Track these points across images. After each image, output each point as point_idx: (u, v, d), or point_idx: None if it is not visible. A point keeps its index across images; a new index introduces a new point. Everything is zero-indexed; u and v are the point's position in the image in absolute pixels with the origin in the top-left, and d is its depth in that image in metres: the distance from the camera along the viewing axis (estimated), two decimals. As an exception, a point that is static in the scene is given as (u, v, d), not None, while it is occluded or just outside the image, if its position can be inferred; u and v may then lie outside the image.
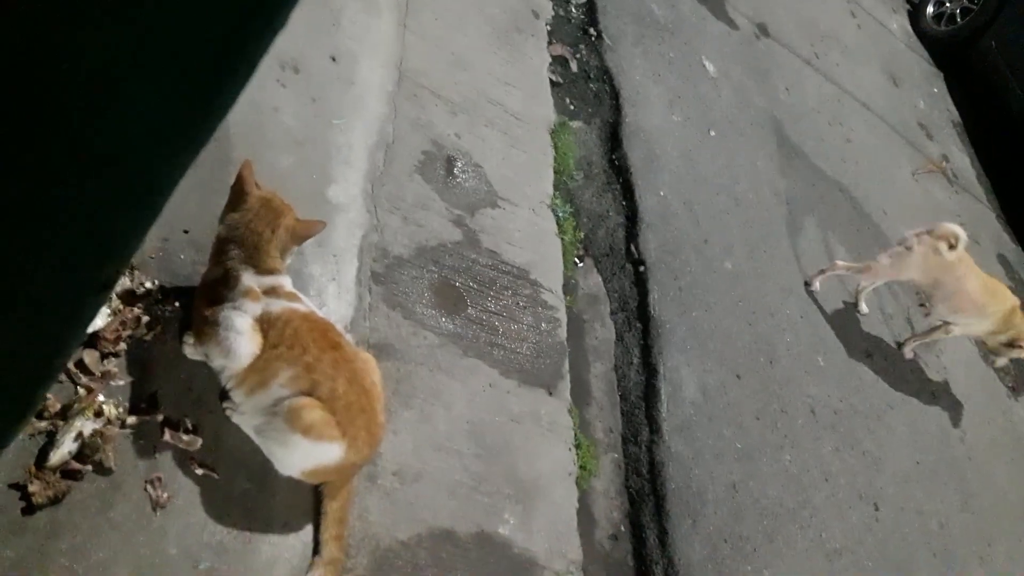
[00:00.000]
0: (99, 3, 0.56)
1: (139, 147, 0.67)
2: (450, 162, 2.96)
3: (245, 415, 1.90)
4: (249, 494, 1.92)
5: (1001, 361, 4.32)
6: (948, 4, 7.13)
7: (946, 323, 4.05)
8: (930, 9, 7.26)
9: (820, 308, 3.98)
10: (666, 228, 3.62)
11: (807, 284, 4.03)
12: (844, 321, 4.03)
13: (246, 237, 1.84)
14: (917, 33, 7.28)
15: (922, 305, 4.37)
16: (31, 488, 1.67)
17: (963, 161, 6.32)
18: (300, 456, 1.86)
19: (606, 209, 3.61)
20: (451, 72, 3.26)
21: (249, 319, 1.81)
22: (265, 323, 1.82)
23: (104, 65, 0.61)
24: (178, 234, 2.18)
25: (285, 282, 1.92)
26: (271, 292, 1.86)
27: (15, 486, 1.67)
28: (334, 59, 2.90)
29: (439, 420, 2.38)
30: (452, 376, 2.49)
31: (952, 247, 3.70)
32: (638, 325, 3.29)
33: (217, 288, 1.83)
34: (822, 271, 4.08)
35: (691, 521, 2.79)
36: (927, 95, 6.64)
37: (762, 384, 3.39)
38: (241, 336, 1.79)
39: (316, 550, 1.93)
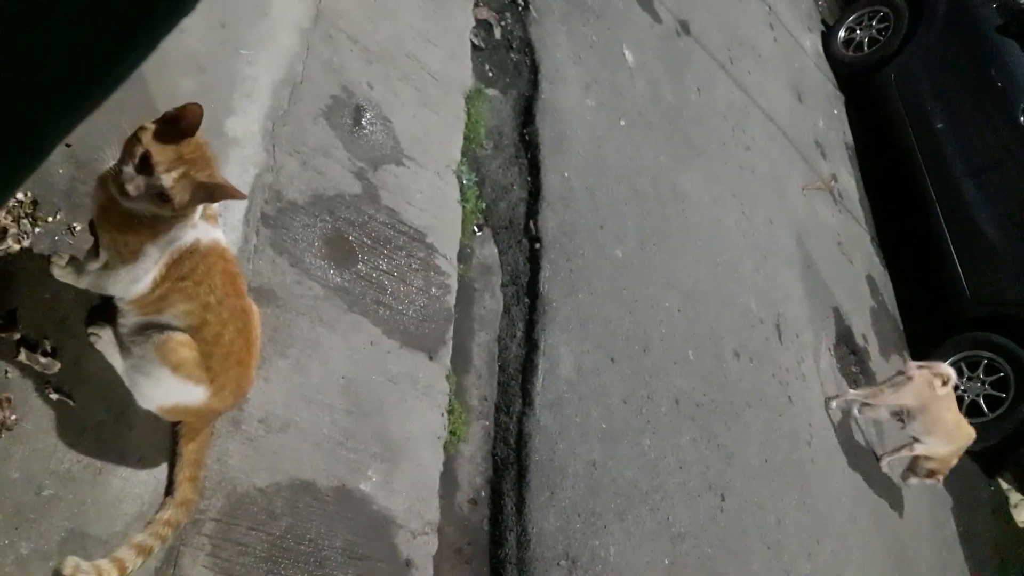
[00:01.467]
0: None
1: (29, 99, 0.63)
2: (359, 112, 2.90)
3: (124, 334, 1.83)
4: (105, 425, 1.86)
5: (913, 480, 5.02)
6: (858, 32, 7.50)
7: (916, 440, 4.86)
8: (841, 34, 7.61)
9: (696, 306, 4.16)
10: (566, 210, 3.68)
11: (827, 402, 4.87)
12: (716, 321, 4.23)
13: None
14: (827, 54, 7.63)
15: (900, 420, 4.93)
16: None
17: (849, 183, 6.70)
18: (163, 391, 1.81)
19: (511, 182, 3.64)
20: (372, 18, 3.19)
21: (161, 254, 1.72)
22: (184, 252, 1.73)
23: None
24: (59, 148, 2.06)
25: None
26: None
27: None
28: (250, -13, 2.78)
29: (314, 372, 2.36)
30: (333, 330, 2.47)
31: (944, 384, 4.57)
32: (526, 300, 3.35)
33: (143, 219, 1.69)
34: (837, 395, 4.91)
35: (549, 493, 2.90)
36: (827, 115, 6.98)
37: (633, 370, 3.53)
38: (153, 269, 1.71)
39: (169, 490, 1.90)
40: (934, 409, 4.65)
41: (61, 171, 2.05)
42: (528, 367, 3.18)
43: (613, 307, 3.62)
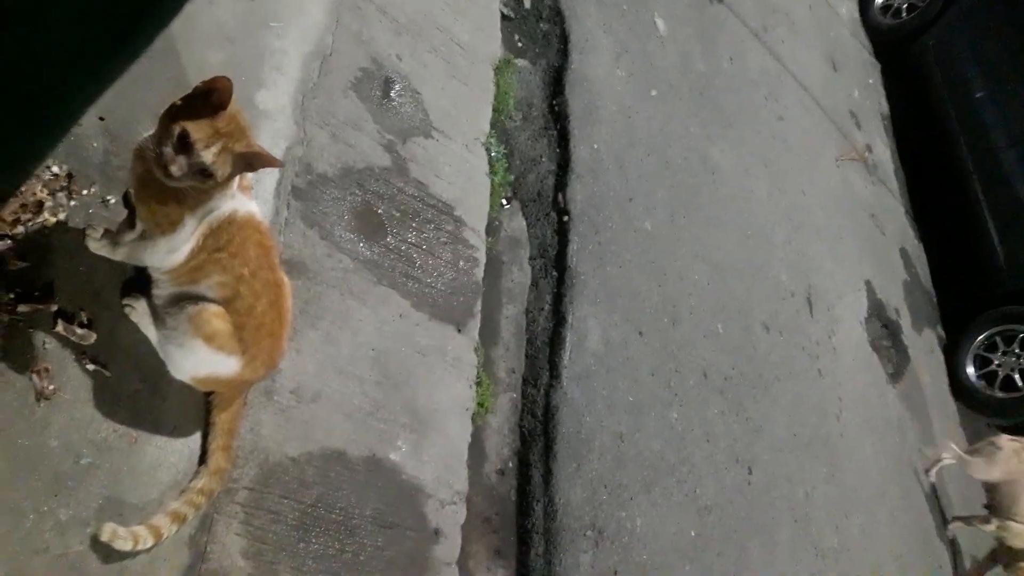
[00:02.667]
0: None
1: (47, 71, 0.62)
2: (388, 84, 2.89)
3: (158, 305, 1.86)
4: (140, 395, 1.90)
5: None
6: (897, -3, 7.29)
7: (995, 518, 4.67)
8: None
9: (726, 278, 4.12)
10: (595, 182, 3.65)
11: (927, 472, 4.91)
12: (746, 293, 4.19)
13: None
14: (864, 21, 7.43)
15: (987, 507, 4.77)
16: (-93, 365, 1.61)
17: (884, 154, 6.57)
18: (195, 361, 1.84)
19: (539, 154, 3.62)
20: (400, -11, 3.16)
21: (199, 225, 1.74)
22: (221, 223, 1.75)
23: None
24: (92, 119, 2.08)
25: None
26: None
27: None
28: (278, -43, 2.76)
29: (344, 344, 2.39)
30: (363, 302, 2.49)
31: None
32: (554, 273, 3.35)
33: (182, 190, 1.68)
34: (934, 459, 4.94)
35: (576, 465, 2.91)
36: (862, 85, 6.82)
37: (662, 343, 3.52)
38: (191, 240, 1.73)
39: (203, 459, 1.94)
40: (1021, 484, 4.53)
41: (95, 144, 2.07)
42: (556, 340, 3.18)
43: (642, 280, 3.60)
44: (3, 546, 1.62)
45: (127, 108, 2.11)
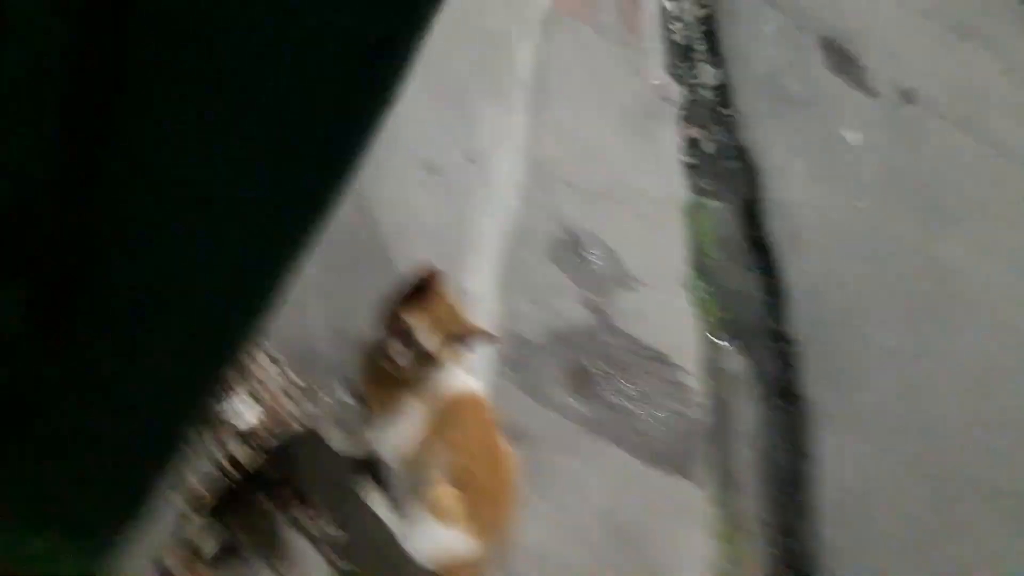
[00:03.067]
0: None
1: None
2: (582, 246, 3.00)
3: (396, 494, 1.95)
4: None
5: None
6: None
7: None
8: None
9: (993, 386, 3.64)
10: (814, 304, 3.47)
11: None
12: (1017, 399, 3.65)
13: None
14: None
15: None
16: (183, 577, 1.77)
17: None
18: (435, 544, 1.87)
19: (748, 288, 3.52)
20: (582, 160, 3.35)
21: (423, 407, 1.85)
22: (442, 404, 1.84)
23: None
24: (326, 333, 2.31)
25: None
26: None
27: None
28: (470, 159, 3.04)
29: (572, 508, 2.35)
30: (586, 462, 2.46)
31: None
32: (787, 407, 3.14)
33: (395, 377, 1.83)
34: None
35: (854, 621, 2.57)
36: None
37: (926, 468, 3.11)
38: (416, 423, 1.84)
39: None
40: None
41: (330, 355, 2.29)
42: (801, 479, 2.92)
43: (889, 400, 3.27)
44: None
45: (355, 317, 2.33)
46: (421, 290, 1.72)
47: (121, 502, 0.70)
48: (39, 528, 0.68)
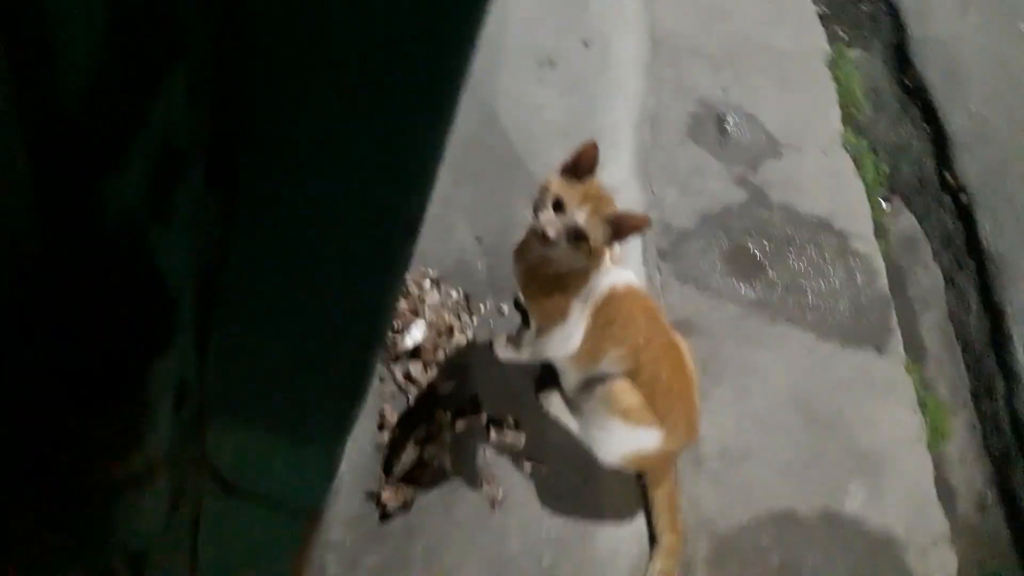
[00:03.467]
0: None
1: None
2: (720, 120, 2.78)
3: (569, 395, 1.90)
4: (577, 487, 1.92)
5: None
6: None
7: None
8: None
9: None
10: (986, 147, 3.11)
11: None
12: None
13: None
14: None
15: None
16: (384, 496, 1.79)
17: None
18: (618, 441, 1.82)
19: (907, 139, 3.19)
20: (707, 25, 3.08)
21: (585, 306, 1.77)
22: (604, 300, 1.76)
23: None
24: (472, 244, 2.25)
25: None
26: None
27: (370, 495, 1.80)
28: (586, 44, 2.85)
29: (756, 395, 2.22)
30: (762, 346, 2.31)
31: None
32: (970, 263, 2.85)
33: (563, 277, 1.74)
34: None
35: (1080, 480, 2.35)
36: None
37: None
38: (581, 323, 1.77)
39: (653, 540, 1.88)
40: None
41: (479, 265, 2.23)
42: (998, 339, 2.67)
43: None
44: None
45: (497, 225, 2.26)
46: (575, 169, 1.62)
47: (325, 409, 0.66)
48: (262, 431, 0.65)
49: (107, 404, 0.41)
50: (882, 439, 2.22)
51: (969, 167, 3.05)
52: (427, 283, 2.11)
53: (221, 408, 0.66)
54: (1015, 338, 2.63)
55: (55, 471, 0.46)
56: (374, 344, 0.59)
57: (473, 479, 1.86)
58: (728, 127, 2.78)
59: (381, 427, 1.90)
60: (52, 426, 0.42)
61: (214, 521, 0.84)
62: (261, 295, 0.50)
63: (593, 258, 1.67)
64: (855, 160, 2.87)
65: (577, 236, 1.59)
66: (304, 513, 0.86)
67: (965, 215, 2.94)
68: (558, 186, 1.62)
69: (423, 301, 2.06)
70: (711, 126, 2.76)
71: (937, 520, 2.15)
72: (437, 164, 0.44)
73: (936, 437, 2.36)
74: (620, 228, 1.63)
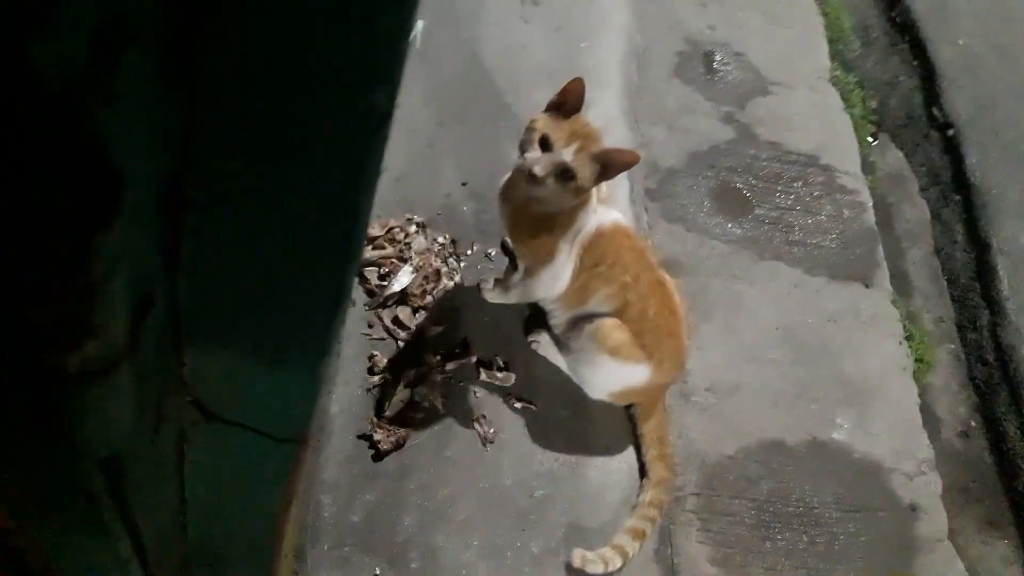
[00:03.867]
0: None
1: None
2: (708, 57, 2.75)
3: (559, 334, 1.91)
4: (567, 422, 1.94)
5: None
6: None
7: None
8: None
9: None
10: (974, 81, 3.09)
11: None
12: None
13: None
14: None
15: None
16: (376, 437, 1.82)
17: None
18: (607, 377, 1.84)
19: (895, 73, 3.17)
20: (691, -38, 3.03)
21: (572, 247, 1.77)
22: (591, 239, 1.75)
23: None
24: (457, 188, 2.24)
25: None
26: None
27: (363, 437, 1.82)
28: (569, -18, 2.80)
29: (745, 330, 2.24)
30: (750, 283, 2.32)
31: None
32: (956, 197, 2.86)
33: (550, 218, 1.73)
34: None
35: (1063, 406, 2.38)
36: None
37: None
38: (569, 263, 1.77)
39: (643, 472, 1.91)
40: None
41: (465, 208, 2.22)
42: (984, 272, 2.68)
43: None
44: (493, 583, 1.72)
45: (483, 169, 2.25)
46: (561, 108, 1.60)
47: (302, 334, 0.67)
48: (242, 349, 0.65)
49: (49, 281, 0.41)
50: (869, 371, 2.25)
51: (957, 101, 3.03)
52: (413, 228, 2.11)
53: (197, 331, 0.67)
54: (1000, 270, 2.65)
55: (2, 363, 0.46)
56: (350, 256, 0.59)
57: (464, 419, 1.89)
58: (715, 64, 2.75)
59: (371, 371, 1.91)
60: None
61: (199, 449, 0.85)
62: (227, 200, 0.49)
63: (580, 197, 1.67)
64: (843, 96, 2.85)
65: (564, 174, 1.58)
66: (290, 440, 0.87)
67: (952, 150, 2.93)
68: (544, 124, 1.60)
69: (409, 246, 2.06)
70: (699, 64, 2.73)
71: (922, 447, 2.19)
72: (405, 52, 0.43)
73: (922, 368, 2.39)
74: (608, 165, 1.61)
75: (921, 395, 2.34)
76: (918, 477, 2.12)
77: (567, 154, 1.56)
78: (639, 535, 1.79)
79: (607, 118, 2.50)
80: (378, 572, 1.68)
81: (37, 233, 0.38)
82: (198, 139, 0.44)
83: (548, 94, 2.43)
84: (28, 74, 0.30)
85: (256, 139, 0.46)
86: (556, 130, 1.57)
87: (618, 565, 1.75)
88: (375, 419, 1.84)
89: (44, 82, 0.31)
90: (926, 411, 2.35)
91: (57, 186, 0.36)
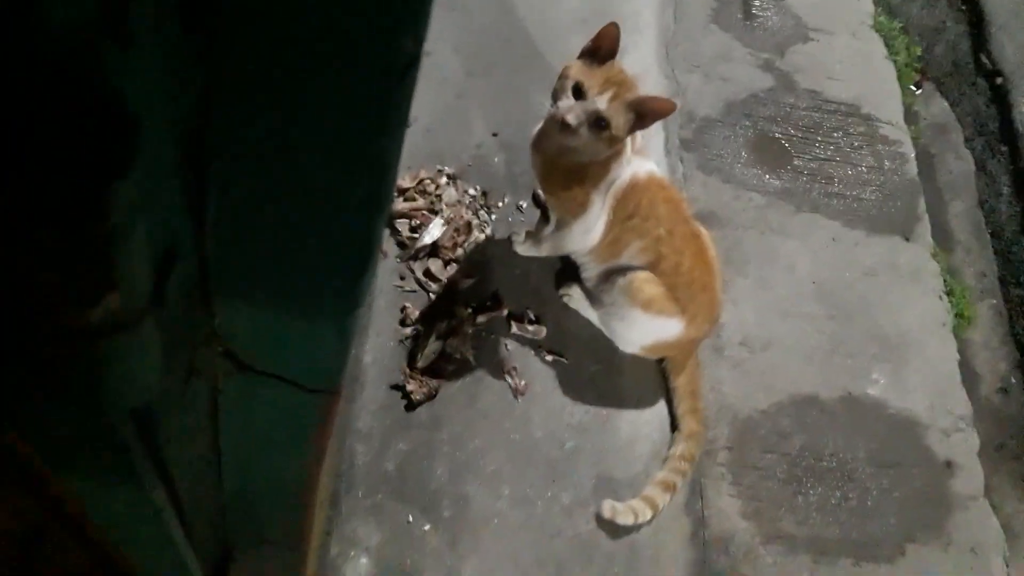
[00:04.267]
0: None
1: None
2: (747, 2, 2.66)
3: (590, 288, 1.90)
4: (598, 376, 1.94)
5: None
6: None
7: None
8: None
9: None
10: (1021, 30, 2.96)
11: None
12: None
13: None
14: None
15: None
16: (409, 387, 1.83)
17: None
18: (639, 330, 1.83)
19: (941, 19, 3.05)
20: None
21: (605, 198, 1.75)
22: (625, 191, 1.72)
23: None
24: (488, 139, 2.22)
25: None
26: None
27: (395, 387, 1.84)
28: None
29: (780, 284, 2.20)
30: (787, 236, 2.28)
31: None
32: (1003, 148, 2.77)
33: (583, 168, 1.71)
34: None
35: (1110, 364, 2.33)
36: None
37: None
38: (602, 216, 1.75)
39: (674, 425, 1.91)
40: None
41: (496, 160, 2.20)
42: (1026, 227, 2.61)
43: None
44: (524, 533, 1.74)
45: (514, 119, 2.21)
46: (595, 54, 1.56)
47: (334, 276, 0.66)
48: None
49: (67, 231, 0.40)
50: (907, 326, 2.21)
51: (1006, 48, 2.92)
52: (444, 180, 2.09)
53: (225, 284, 0.66)
54: (1048, 225, 2.57)
55: (26, 320, 0.46)
56: (378, 207, 0.58)
57: (496, 371, 1.89)
58: (754, 10, 2.66)
59: (403, 323, 1.92)
60: (13, 266, 0.42)
61: (232, 400, 0.86)
62: (251, 151, 0.48)
63: (614, 147, 1.64)
64: (886, 43, 2.75)
65: (598, 123, 1.54)
66: (322, 391, 0.87)
67: (999, 99, 2.83)
68: (578, 71, 1.56)
69: (440, 198, 2.05)
70: (737, 9, 2.65)
71: (960, 403, 2.15)
72: (431, -2, 0.42)
73: (962, 323, 2.34)
74: (643, 114, 1.57)
75: (960, 351, 2.30)
76: (955, 433, 2.09)
77: (601, 102, 1.52)
78: (669, 487, 1.79)
79: (642, 65, 2.45)
80: (411, 519, 1.71)
81: (52, 181, 0.38)
82: (218, 87, 0.43)
83: (581, 41, 2.38)
84: (34, 11, 0.29)
85: (279, 85, 0.44)
86: (590, 77, 1.54)
87: (648, 517, 1.76)
88: (407, 370, 1.85)
89: (51, 20, 0.30)
90: (965, 367, 2.31)
91: (71, 132, 0.36)
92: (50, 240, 0.41)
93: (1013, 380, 2.42)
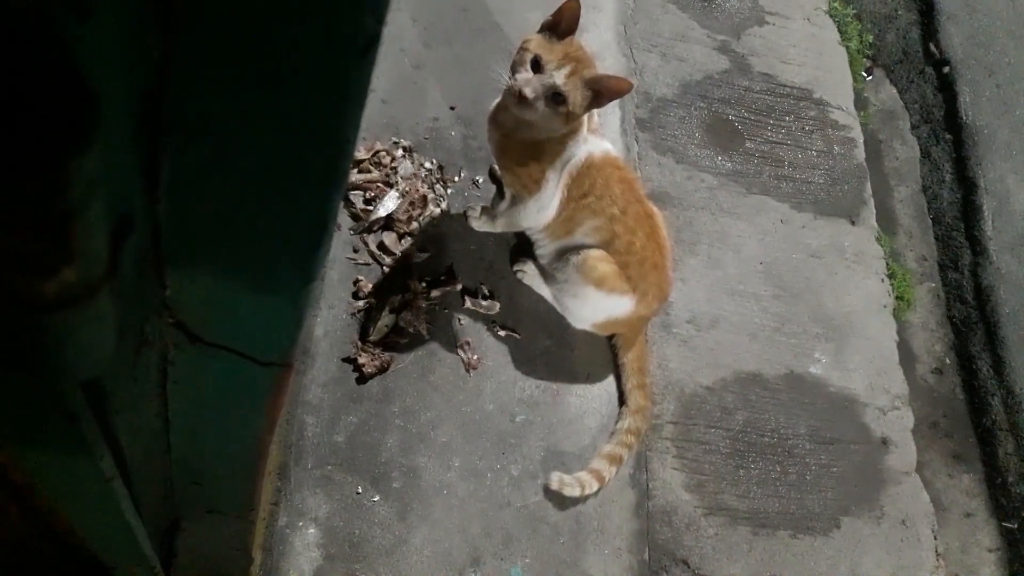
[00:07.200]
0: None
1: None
2: (706, -16, 2.68)
3: (544, 264, 1.91)
4: (550, 351, 1.97)
5: None
6: None
7: None
8: None
9: None
10: (972, 17, 3.04)
11: None
12: None
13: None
14: None
15: None
16: (360, 360, 1.83)
17: None
18: (591, 308, 1.86)
19: (894, 7, 3.11)
20: None
21: (560, 176, 1.76)
22: (580, 169, 1.74)
23: None
24: (445, 112, 2.21)
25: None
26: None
27: (347, 360, 1.84)
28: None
29: (728, 264, 2.25)
30: (737, 217, 2.32)
31: None
32: (947, 136, 2.85)
33: (539, 145, 1.71)
34: None
35: (1035, 346, 2.44)
36: None
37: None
38: (557, 193, 1.76)
39: (622, 400, 1.94)
40: None
41: (453, 133, 2.19)
42: (969, 211, 2.70)
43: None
44: (474, 504, 1.77)
45: (472, 93, 2.21)
46: (554, 29, 1.57)
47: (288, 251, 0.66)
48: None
49: (24, 207, 0.40)
50: (849, 307, 2.28)
51: (954, 38, 2.99)
52: (400, 152, 2.08)
53: (178, 254, 0.66)
54: (985, 210, 2.66)
55: None
56: (334, 182, 0.58)
57: (449, 345, 1.90)
58: (712, -8, 2.68)
59: (356, 296, 1.92)
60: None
61: (182, 371, 0.85)
62: (207, 122, 0.48)
63: (571, 124, 1.65)
64: (840, 29, 2.80)
65: (555, 98, 1.55)
66: (273, 363, 0.87)
67: (946, 88, 2.91)
68: (538, 44, 1.57)
69: (396, 171, 2.04)
70: (695, -9, 2.67)
71: (897, 382, 2.23)
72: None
73: (902, 305, 2.42)
74: (600, 92, 1.59)
75: (899, 332, 2.38)
76: (891, 412, 2.17)
77: (559, 77, 1.53)
78: (616, 460, 1.83)
79: (600, 43, 2.45)
80: (360, 491, 1.72)
81: (9, 158, 0.37)
82: (176, 58, 0.43)
83: (541, 15, 2.37)
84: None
85: (237, 59, 0.44)
86: (549, 52, 1.54)
87: (594, 488, 1.80)
88: (359, 343, 1.85)
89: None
90: (903, 348, 2.39)
91: (29, 108, 0.35)
92: (6, 215, 0.40)
93: (948, 361, 2.52)
